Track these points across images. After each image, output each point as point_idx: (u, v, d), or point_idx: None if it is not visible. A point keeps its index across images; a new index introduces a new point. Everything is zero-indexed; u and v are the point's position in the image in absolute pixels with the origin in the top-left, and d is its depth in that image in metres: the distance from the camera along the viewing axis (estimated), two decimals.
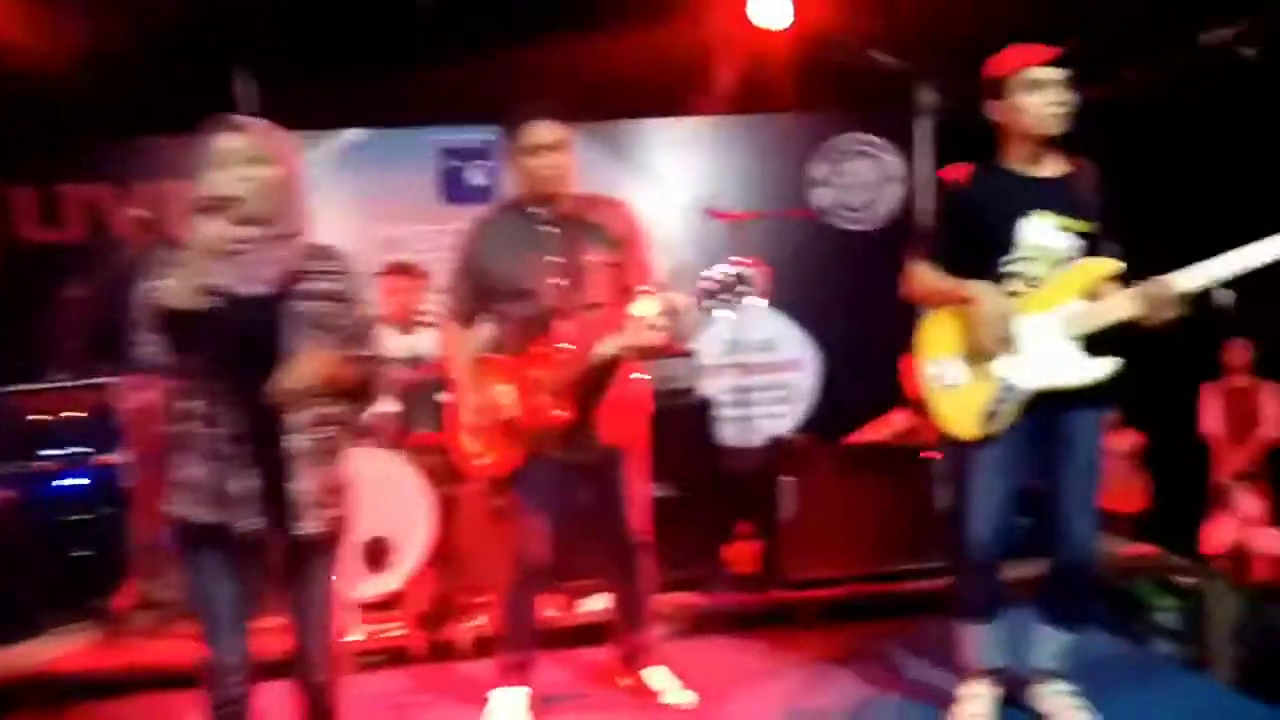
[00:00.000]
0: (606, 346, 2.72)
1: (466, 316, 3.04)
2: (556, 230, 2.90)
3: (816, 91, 5.54)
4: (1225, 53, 4.02)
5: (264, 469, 2.17)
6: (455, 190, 5.53)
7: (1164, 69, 4.37)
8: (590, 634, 3.65)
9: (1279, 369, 5.12)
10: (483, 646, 3.50)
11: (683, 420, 4.08)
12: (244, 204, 2.12)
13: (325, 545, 2.28)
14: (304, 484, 2.19)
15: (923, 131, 5.59)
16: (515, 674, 3.02)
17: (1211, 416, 5.35)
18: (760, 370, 5.70)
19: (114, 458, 4.11)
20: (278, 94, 4.95)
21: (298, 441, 2.19)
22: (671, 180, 5.72)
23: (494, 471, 2.97)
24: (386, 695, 3.32)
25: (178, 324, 2.09)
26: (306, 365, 2.16)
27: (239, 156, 2.16)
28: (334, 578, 2.33)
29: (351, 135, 5.49)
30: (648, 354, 2.73)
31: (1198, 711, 2.90)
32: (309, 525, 2.21)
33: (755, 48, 5.18)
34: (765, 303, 2.59)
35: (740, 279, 2.55)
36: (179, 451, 2.19)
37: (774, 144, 5.82)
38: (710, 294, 2.56)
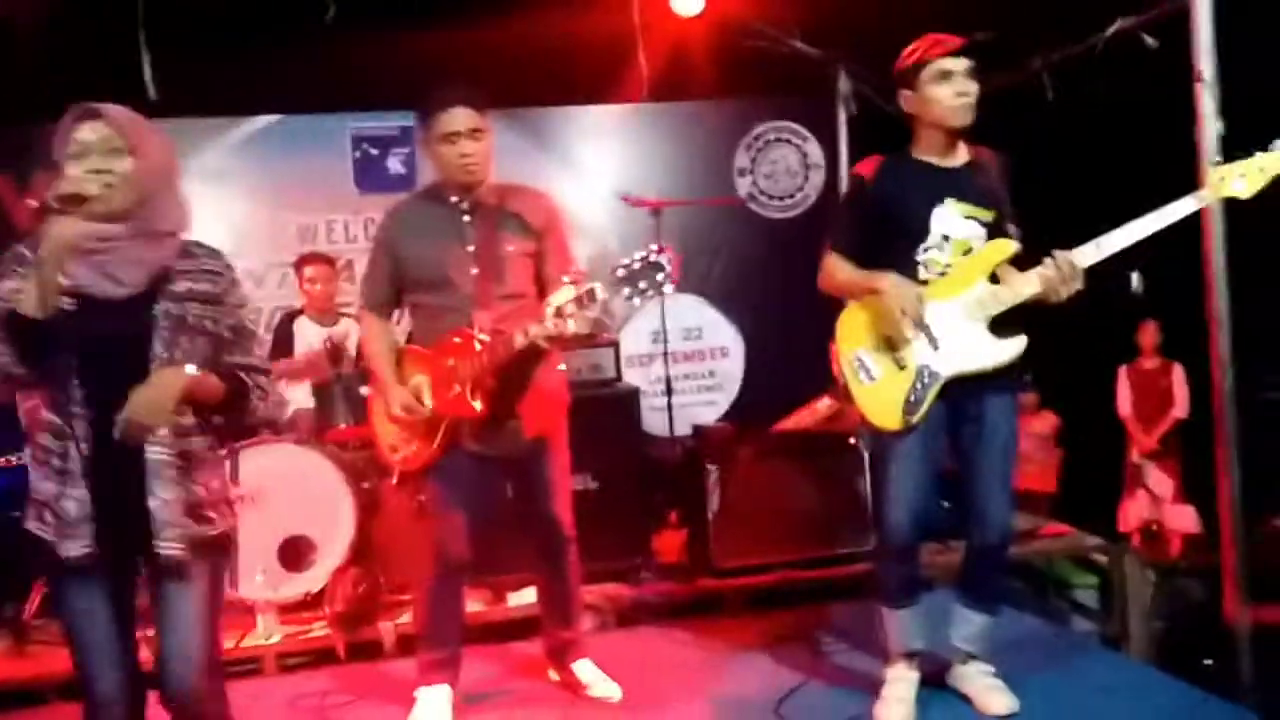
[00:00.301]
0: (524, 336, 2.67)
1: (383, 306, 2.98)
2: (474, 219, 2.85)
3: (738, 79, 5.54)
4: (1128, 41, 4.12)
5: (120, 486, 1.99)
6: (371, 178, 5.40)
7: (1070, 58, 4.46)
8: (518, 628, 3.61)
9: (1188, 351, 5.29)
10: (406, 645, 3.43)
11: (608, 410, 4.05)
12: (99, 201, 1.92)
13: (187, 566, 2.04)
14: (160, 500, 2.00)
15: (843, 119, 5.63)
16: (438, 672, 2.96)
17: (1125, 398, 5.52)
18: (687, 359, 5.70)
19: (17, 460, 3.91)
20: (184, 77, 4.77)
21: (153, 455, 2.00)
22: (592, 168, 5.67)
23: (413, 465, 2.91)
24: (308, 696, 3.23)
25: (24, 331, 1.89)
26: (155, 391, 1.96)
27: (97, 148, 1.97)
28: (204, 600, 2.09)
29: (261, 121, 5.32)
30: (567, 344, 2.68)
31: (1114, 687, 2.97)
32: (166, 545, 2.01)
33: (676, 35, 5.15)
34: (673, 289, 2.54)
35: (652, 265, 2.51)
36: (33, 465, 2.04)
37: (696, 132, 5.81)
38: (623, 281, 2.51)
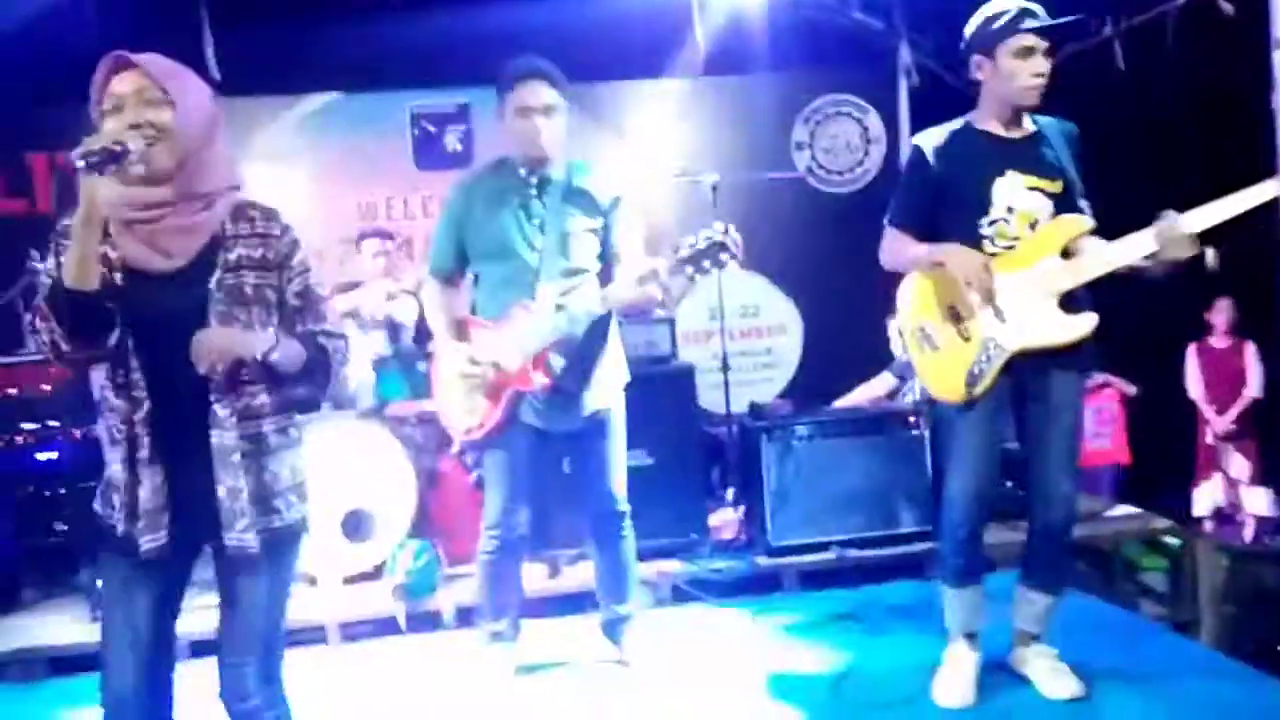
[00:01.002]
0: (587, 310, 2.67)
1: (447, 274, 3.00)
2: (542, 194, 2.86)
3: (796, 52, 5.46)
4: (1203, 8, 3.98)
5: (185, 472, 1.84)
6: (429, 155, 5.43)
7: (1142, 25, 4.32)
8: (574, 602, 3.63)
9: (1261, 329, 5.12)
10: (465, 617, 3.48)
11: (664, 387, 4.04)
12: (140, 161, 1.74)
13: (259, 559, 1.87)
14: (227, 488, 1.84)
15: (905, 91, 5.53)
16: (498, 641, 3.00)
17: (1195, 377, 5.35)
18: (744, 336, 5.66)
19: (89, 431, 4.04)
20: (246, 56, 4.83)
21: (220, 439, 1.83)
22: (648, 144, 5.63)
23: (474, 434, 2.92)
24: (370, 667, 3.29)
25: (71, 304, 1.73)
26: (228, 337, 1.82)
27: (133, 100, 1.78)
28: (270, 598, 1.93)
29: (322, 99, 5.37)
30: (632, 315, 2.68)
31: (1183, 673, 2.90)
32: (234, 538, 1.84)
33: (733, 7, 5.09)
34: (737, 267, 2.54)
35: (717, 245, 2.50)
36: (106, 446, 1.88)
37: (753, 106, 5.74)
38: (688, 260, 2.54)
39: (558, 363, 2.81)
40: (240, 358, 1.84)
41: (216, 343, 1.81)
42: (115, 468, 1.87)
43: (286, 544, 1.95)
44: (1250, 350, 5.21)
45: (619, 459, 3.03)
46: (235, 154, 1.96)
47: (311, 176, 5.40)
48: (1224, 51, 4.02)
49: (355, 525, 3.72)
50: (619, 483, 3.03)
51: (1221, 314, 5.27)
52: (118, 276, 1.81)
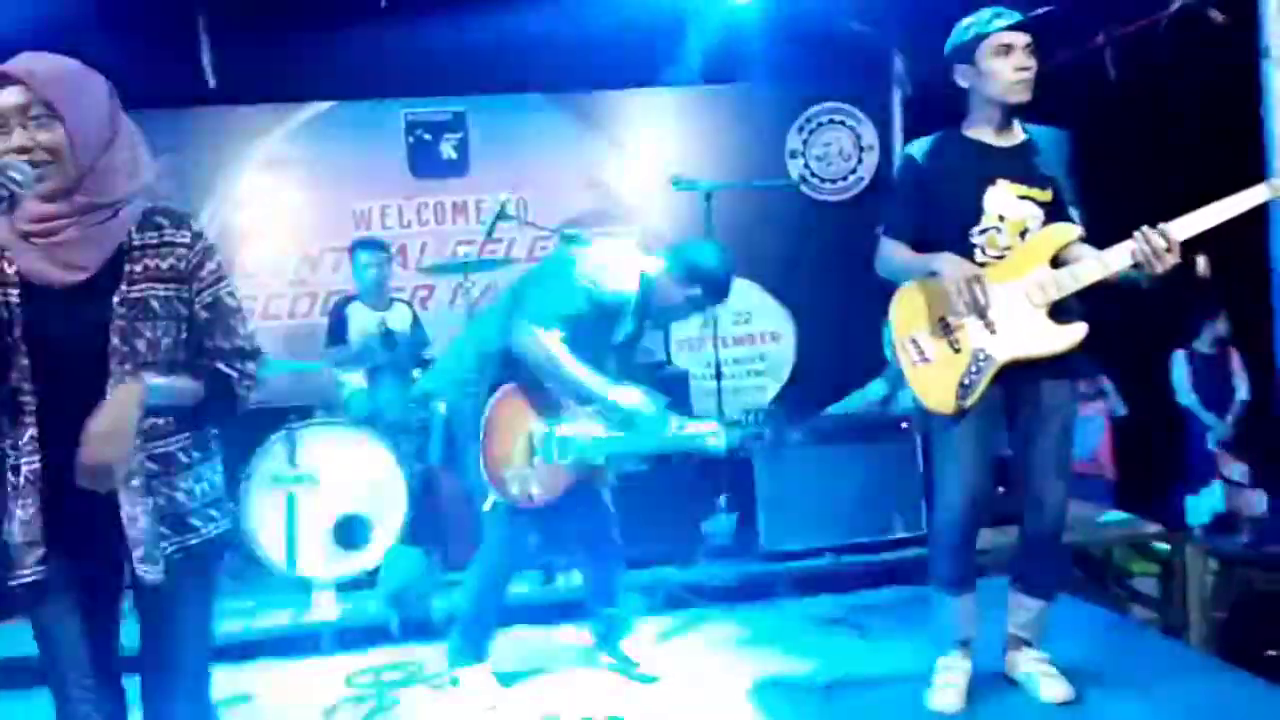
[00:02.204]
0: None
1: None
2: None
3: (790, 61, 5.49)
4: (1194, 17, 4.01)
5: (88, 498, 1.66)
6: (424, 164, 5.44)
7: (1133, 34, 4.35)
8: (567, 610, 3.63)
9: (1247, 338, 5.16)
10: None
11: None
12: (28, 183, 1.60)
13: (172, 587, 1.75)
14: (129, 514, 1.70)
15: (898, 100, 5.56)
16: (479, 652, 3.01)
17: (1186, 385, 5.37)
18: (737, 343, 5.68)
19: None
20: (241, 64, 4.86)
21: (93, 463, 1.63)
22: (643, 152, 5.65)
23: (529, 503, 2.85)
24: (364, 671, 3.29)
25: None
26: (109, 418, 1.62)
27: (16, 119, 1.63)
28: (190, 622, 1.83)
29: (317, 107, 5.39)
30: None
31: (1173, 676, 2.91)
32: (141, 566, 1.71)
33: (728, 17, 5.12)
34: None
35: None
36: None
37: (747, 115, 5.76)
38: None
39: None
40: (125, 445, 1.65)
41: (100, 429, 1.62)
42: (8, 495, 1.73)
43: (204, 561, 1.82)
44: (1236, 357, 5.24)
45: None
46: (142, 146, 1.78)
47: (306, 184, 5.40)
48: (1214, 60, 4.05)
49: (348, 532, 3.72)
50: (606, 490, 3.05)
51: (1221, 325, 5.30)
52: (14, 293, 1.68)
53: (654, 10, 4.93)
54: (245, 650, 3.31)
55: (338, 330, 4.50)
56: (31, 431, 1.70)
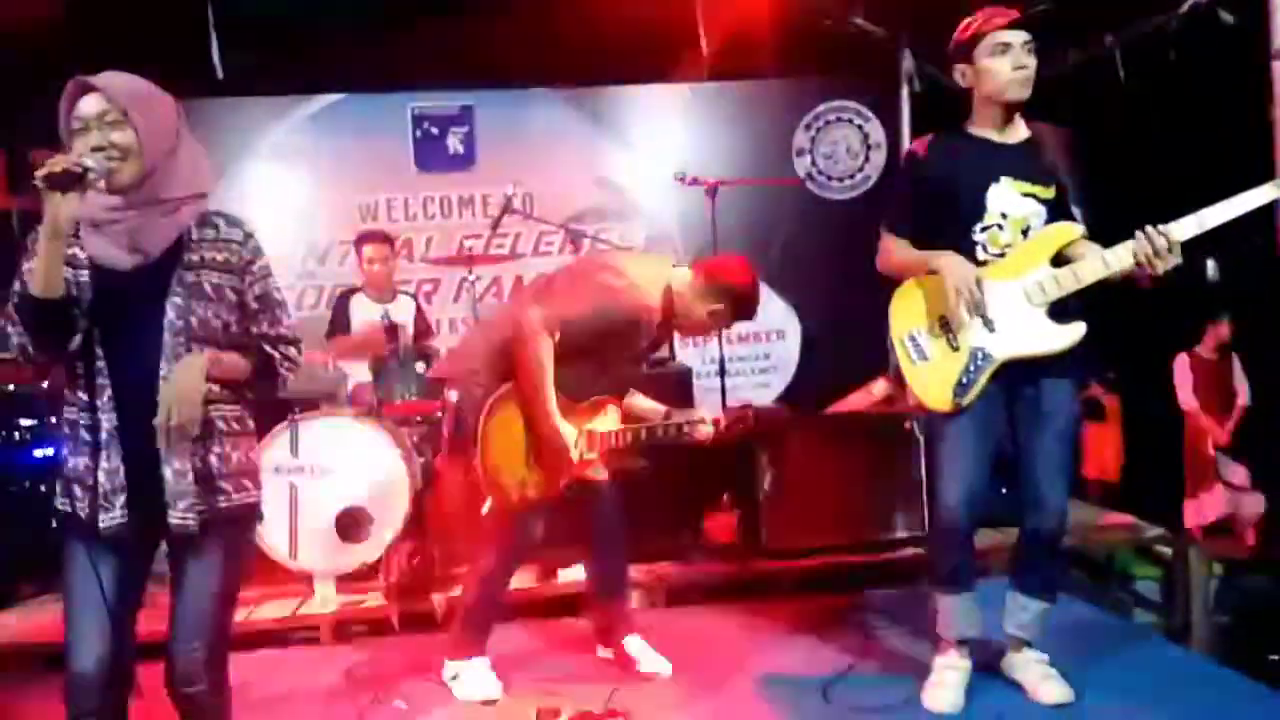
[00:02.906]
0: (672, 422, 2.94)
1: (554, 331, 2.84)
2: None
3: (798, 58, 5.48)
4: (1205, 16, 3.98)
5: (141, 456, 1.93)
6: (430, 157, 5.44)
7: (1143, 35, 4.33)
8: (568, 604, 3.64)
9: (1249, 342, 5.14)
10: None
11: (661, 390, 4.02)
12: (103, 180, 1.86)
13: (199, 540, 1.98)
14: (173, 470, 1.94)
15: (905, 99, 5.54)
16: (476, 648, 3.01)
17: (1187, 389, 5.35)
18: (742, 340, 5.66)
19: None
20: (249, 57, 4.86)
21: (170, 423, 1.92)
22: (650, 148, 5.65)
23: (525, 505, 2.88)
24: (363, 663, 3.29)
25: (35, 310, 1.86)
26: (179, 385, 1.91)
27: (95, 122, 1.90)
28: (218, 579, 2.03)
29: (324, 100, 5.40)
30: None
31: (1173, 681, 2.90)
32: (177, 517, 1.94)
33: (736, 14, 5.10)
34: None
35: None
36: (66, 443, 1.99)
37: (755, 112, 5.75)
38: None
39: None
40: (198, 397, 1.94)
41: (175, 394, 1.91)
42: (78, 459, 1.96)
43: (234, 525, 2.05)
44: (1238, 361, 5.22)
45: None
46: (204, 161, 2.06)
47: (312, 177, 5.42)
48: (1224, 62, 4.03)
49: (350, 524, 3.73)
50: (614, 487, 3.06)
51: (1222, 332, 5.27)
52: (84, 274, 1.93)
53: (663, 6, 4.92)
54: (246, 641, 3.31)
55: (340, 322, 4.50)
56: (109, 392, 1.93)
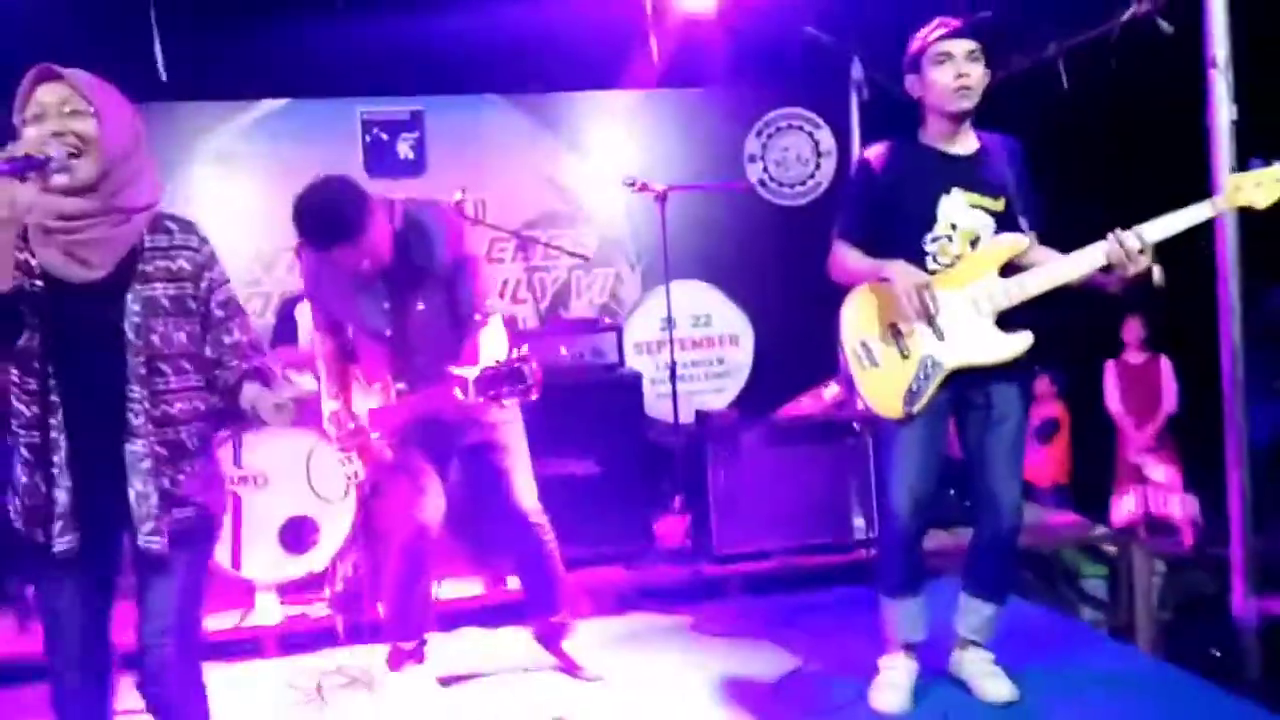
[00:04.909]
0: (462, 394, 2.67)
1: (321, 328, 3.02)
2: (387, 283, 2.85)
3: (750, 65, 5.50)
4: (1144, 26, 4.06)
5: (99, 477, 1.89)
6: (380, 163, 5.38)
7: (1084, 44, 4.40)
8: (515, 611, 3.60)
9: (1175, 343, 5.23)
10: None
11: (611, 396, 4.03)
12: (63, 171, 1.78)
13: (167, 558, 1.94)
14: (137, 492, 1.90)
15: (855, 106, 5.59)
16: (412, 655, 2.97)
17: (1112, 393, 5.45)
18: (695, 345, 5.67)
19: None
20: (194, 60, 4.78)
21: (131, 448, 1.89)
22: (602, 154, 5.64)
23: (360, 483, 2.97)
24: (307, 674, 3.24)
25: None
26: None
27: (56, 110, 1.83)
28: (185, 591, 2.00)
29: (271, 104, 5.32)
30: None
31: (1117, 677, 2.93)
32: (145, 539, 1.91)
33: (688, 21, 5.12)
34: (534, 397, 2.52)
35: (516, 374, 2.49)
36: (15, 456, 1.94)
37: (707, 118, 5.76)
38: (486, 383, 2.50)
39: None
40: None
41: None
42: (26, 476, 1.92)
43: (198, 535, 2.02)
44: (1165, 365, 5.31)
45: (518, 471, 2.99)
46: (157, 174, 1.99)
47: (260, 182, 5.32)
48: (1164, 70, 4.10)
49: (293, 534, 3.66)
50: (523, 494, 2.99)
51: (1132, 331, 5.38)
52: (36, 283, 1.85)
53: (615, 12, 4.92)
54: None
55: (286, 330, 4.43)
56: (62, 412, 1.88)
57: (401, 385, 2.83)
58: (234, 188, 5.26)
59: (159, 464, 1.92)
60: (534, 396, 2.50)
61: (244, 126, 5.31)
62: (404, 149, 5.40)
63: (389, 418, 2.85)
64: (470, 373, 2.52)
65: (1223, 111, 3.52)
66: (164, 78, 4.72)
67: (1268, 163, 2.44)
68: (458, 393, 2.53)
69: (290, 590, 3.70)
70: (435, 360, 2.78)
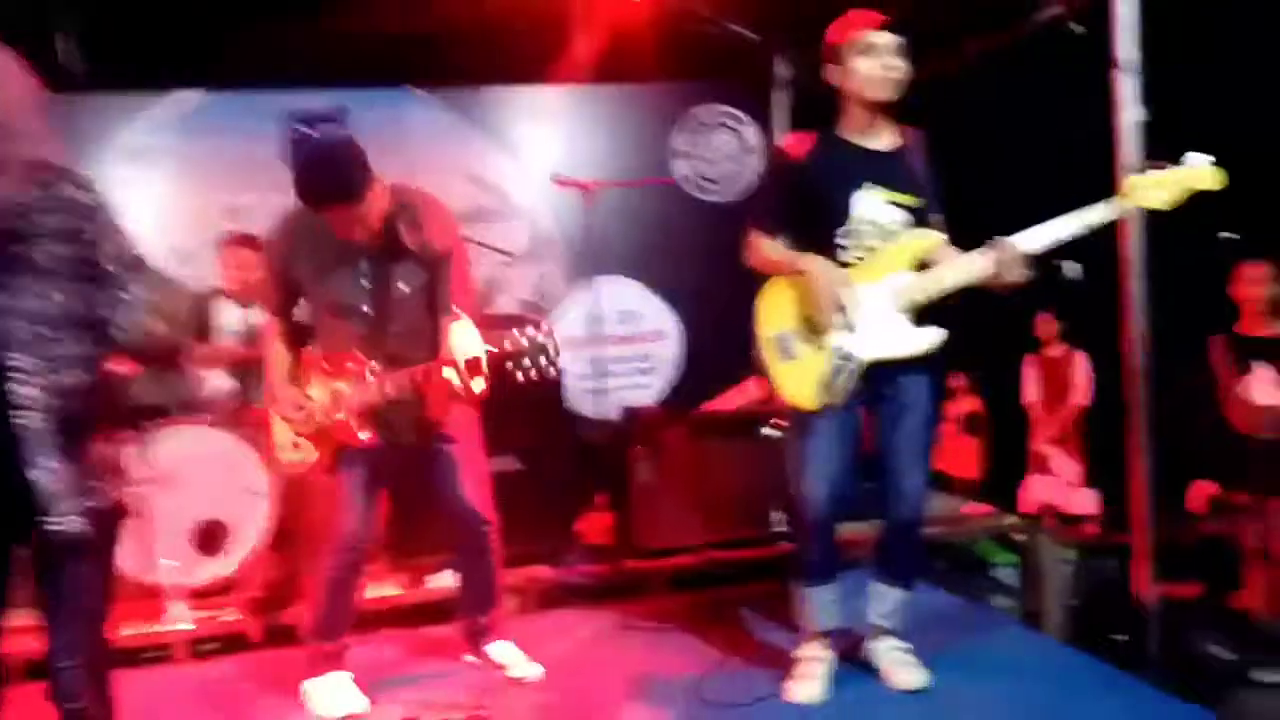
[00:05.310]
0: (407, 379, 2.70)
1: (277, 308, 2.92)
2: (372, 261, 2.78)
3: (677, 63, 5.52)
4: (1057, 27, 4.16)
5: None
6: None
7: (1001, 44, 4.50)
8: (436, 611, 3.57)
9: (1091, 338, 5.38)
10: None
11: (533, 391, 3.98)
12: None
13: (80, 543, 1.83)
14: (45, 470, 1.78)
15: (780, 104, 5.64)
16: (331, 662, 2.92)
17: (1029, 386, 5.61)
18: (623, 342, 5.67)
19: None
20: (107, 51, 4.65)
21: (30, 420, 1.76)
22: (528, 149, 5.61)
23: (304, 470, 2.89)
24: (220, 683, 3.17)
25: None
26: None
27: None
28: (94, 584, 1.92)
29: (189, 97, 5.19)
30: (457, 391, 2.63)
31: (1025, 663, 3.01)
32: (56, 521, 1.79)
33: (615, 17, 5.11)
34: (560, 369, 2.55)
35: (541, 348, 2.52)
36: None
37: (633, 115, 5.76)
38: (511, 358, 2.53)
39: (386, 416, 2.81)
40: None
41: None
42: None
43: (106, 526, 1.91)
44: (1079, 360, 5.46)
45: (472, 470, 2.98)
46: (55, 143, 1.88)
47: (177, 177, 5.20)
48: (1075, 71, 4.20)
49: (207, 537, 3.58)
50: (476, 493, 2.98)
51: (1044, 327, 5.54)
52: None
53: (541, 7, 4.89)
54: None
55: (201, 327, 4.32)
56: None
57: (375, 365, 2.76)
58: (151, 182, 5.12)
59: (63, 437, 1.80)
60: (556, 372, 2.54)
61: (161, 119, 5.17)
62: None
63: (365, 397, 2.77)
64: (470, 350, 2.53)
65: (1128, 113, 3.62)
66: (76, 69, 4.59)
67: (1167, 165, 2.51)
68: (451, 374, 2.53)
69: (202, 595, 3.62)
70: (409, 344, 2.77)
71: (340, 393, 2.78)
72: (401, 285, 2.78)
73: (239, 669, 3.29)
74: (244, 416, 3.89)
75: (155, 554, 3.51)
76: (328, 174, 2.63)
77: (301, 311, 2.93)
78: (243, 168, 5.26)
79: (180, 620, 3.49)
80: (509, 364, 2.53)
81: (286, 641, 3.44)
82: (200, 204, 5.22)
